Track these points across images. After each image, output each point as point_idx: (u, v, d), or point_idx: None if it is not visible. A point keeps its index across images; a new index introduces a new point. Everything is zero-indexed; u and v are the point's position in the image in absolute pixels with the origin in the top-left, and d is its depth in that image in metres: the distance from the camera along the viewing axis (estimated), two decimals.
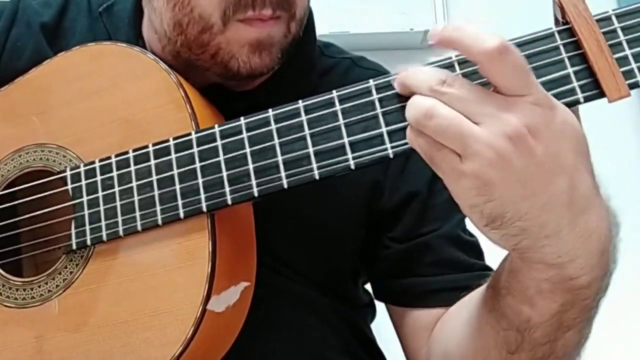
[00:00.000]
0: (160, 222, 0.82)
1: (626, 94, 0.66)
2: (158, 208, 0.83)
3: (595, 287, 0.72)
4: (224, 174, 0.80)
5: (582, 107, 0.70)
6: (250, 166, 0.79)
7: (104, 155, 0.87)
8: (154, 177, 0.84)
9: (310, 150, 0.76)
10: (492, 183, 0.64)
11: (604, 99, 0.67)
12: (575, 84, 0.69)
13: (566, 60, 0.69)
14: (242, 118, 0.81)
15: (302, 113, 0.78)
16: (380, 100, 0.74)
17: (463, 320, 0.90)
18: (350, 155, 0.74)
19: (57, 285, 0.87)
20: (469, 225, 0.96)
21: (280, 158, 0.78)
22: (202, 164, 0.82)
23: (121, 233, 0.84)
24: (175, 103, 0.87)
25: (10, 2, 1.08)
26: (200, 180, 0.81)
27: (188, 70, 0.93)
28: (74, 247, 0.86)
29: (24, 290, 0.88)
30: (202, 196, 0.81)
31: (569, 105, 0.68)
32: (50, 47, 1.04)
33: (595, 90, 0.68)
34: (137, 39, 1.01)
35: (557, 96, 0.68)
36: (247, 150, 0.80)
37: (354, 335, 1.07)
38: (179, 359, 0.79)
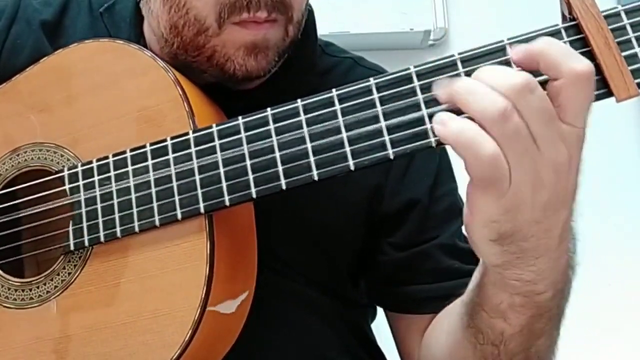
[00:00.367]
0: (157, 223, 0.81)
1: (635, 94, 0.64)
2: (155, 209, 0.82)
3: (557, 299, 0.77)
4: (222, 175, 0.79)
5: None
6: (248, 166, 0.78)
7: (101, 155, 0.86)
8: (152, 177, 0.83)
9: (309, 150, 0.75)
10: (522, 204, 0.66)
11: (612, 99, 0.65)
12: None
13: None
14: (240, 117, 0.80)
15: (301, 112, 0.76)
16: (381, 99, 0.72)
17: (445, 330, 0.93)
18: (349, 156, 0.73)
19: (55, 287, 0.86)
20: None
21: (278, 158, 0.76)
22: (200, 164, 0.80)
23: (119, 234, 0.83)
24: (173, 101, 0.86)
25: (11, 1, 1.08)
26: (197, 181, 0.80)
27: (186, 72, 0.93)
28: (72, 247, 0.86)
29: (23, 291, 0.88)
30: (200, 197, 0.80)
31: None
32: (50, 44, 1.03)
33: (603, 90, 0.66)
34: (138, 39, 1.01)
35: None
36: (245, 150, 0.78)
37: (354, 335, 1.07)
38: None
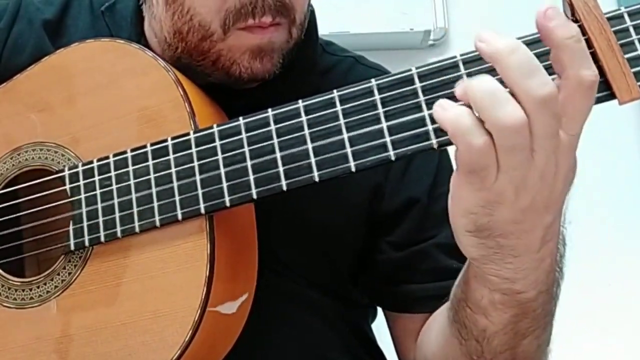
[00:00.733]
0: (158, 223, 0.81)
1: (638, 96, 0.63)
2: (156, 209, 0.81)
3: (541, 299, 0.76)
4: (223, 175, 0.79)
5: None
6: (249, 167, 0.78)
7: (102, 155, 0.86)
8: (152, 178, 0.82)
9: (310, 151, 0.75)
10: (503, 202, 0.65)
11: (614, 101, 0.64)
12: None
13: None
14: (241, 118, 0.80)
15: (302, 113, 0.76)
16: (382, 101, 0.72)
17: (437, 328, 0.93)
18: (351, 157, 0.73)
19: (55, 286, 0.86)
20: None
21: (279, 160, 0.76)
22: (200, 164, 0.80)
23: (119, 234, 0.83)
24: (174, 101, 0.86)
25: (13, 0, 1.08)
26: (198, 182, 0.80)
27: (189, 74, 0.93)
28: (72, 247, 0.86)
29: (23, 290, 0.88)
30: (200, 198, 0.80)
31: None
32: (52, 43, 1.03)
33: (606, 92, 0.65)
34: (139, 38, 1.01)
35: None
36: (246, 151, 0.78)
37: (354, 335, 1.07)
38: None
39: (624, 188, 2.08)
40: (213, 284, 0.79)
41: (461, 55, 0.70)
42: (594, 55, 0.65)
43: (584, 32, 0.65)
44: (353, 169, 0.73)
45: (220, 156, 0.79)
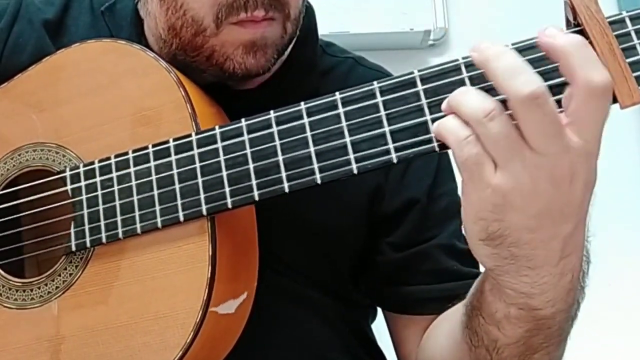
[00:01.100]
0: (159, 224, 0.81)
1: (639, 100, 0.64)
2: (157, 210, 0.81)
3: (559, 318, 0.74)
4: (225, 177, 0.79)
5: None
6: (251, 169, 0.78)
7: (103, 156, 0.86)
8: (154, 179, 0.82)
9: (312, 154, 0.75)
10: (511, 207, 0.65)
11: (616, 105, 0.64)
12: None
13: None
14: (243, 120, 0.79)
15: (304, 115, 0.76)
16: (384, 103, 0.72)
17: (445, 332, 0.93)
18: (353, 160, 0.73)
19: (56, 287, 0.86)
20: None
21: (281, 162, 0.76)
22: (202, 166, 0.80)
23: (120, 235, 0.83)
24: (176, 102, 0.86)
25: (13, 0, 1.08)
26: (200, 183, 0.80)
27: (186, 71, 0.92)
28: (73, 248, 0.86)
29: (24, 291, 0.88)
30: (202, 199, 0.80)
31: None
32: (52, 43, 1.03)
33: None
34: (139, 38, 1.01)
35: None
36: (248, 152, 0.78)
37: (355, 335, 1.07)
38: None
39: (624, 188, 2.08)
40: (215, 285, 0.79)
41: (463, 58, 0.70)
42: None
43: (586, 36, 0.65)
44: (355, 172, 0.73)
45: (222, 158, 0.79)
